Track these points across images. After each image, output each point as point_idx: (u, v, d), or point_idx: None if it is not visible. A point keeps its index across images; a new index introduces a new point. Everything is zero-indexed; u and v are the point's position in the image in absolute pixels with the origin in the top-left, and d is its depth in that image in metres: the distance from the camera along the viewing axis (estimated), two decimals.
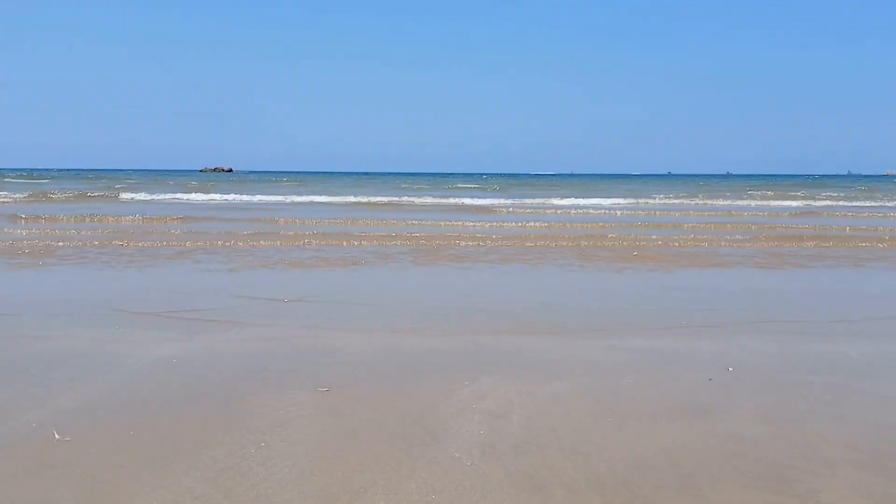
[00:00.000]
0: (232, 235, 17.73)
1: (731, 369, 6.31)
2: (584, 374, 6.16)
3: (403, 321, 8.17)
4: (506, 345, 7.15)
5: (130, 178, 71.02)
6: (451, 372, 6.16)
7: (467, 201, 36.33)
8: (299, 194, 42.54)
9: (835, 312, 9.05)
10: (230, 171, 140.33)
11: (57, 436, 4.60)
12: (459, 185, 55.68)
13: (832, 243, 17.54)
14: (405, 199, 38.88)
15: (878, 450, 4.58)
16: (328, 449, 4.49)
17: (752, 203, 37.94)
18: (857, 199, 42.16)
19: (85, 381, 5.81)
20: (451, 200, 37.33)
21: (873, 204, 38.12)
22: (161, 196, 38.33)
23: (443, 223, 22.41)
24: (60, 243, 15.60)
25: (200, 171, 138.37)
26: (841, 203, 37.92)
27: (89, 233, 18.31)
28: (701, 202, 37.85)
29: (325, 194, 41.61)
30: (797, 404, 5.46)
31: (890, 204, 38.13)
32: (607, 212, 29.85)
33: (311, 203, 35.10)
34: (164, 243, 15.88)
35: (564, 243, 16.94)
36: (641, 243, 17.05)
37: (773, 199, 40.54)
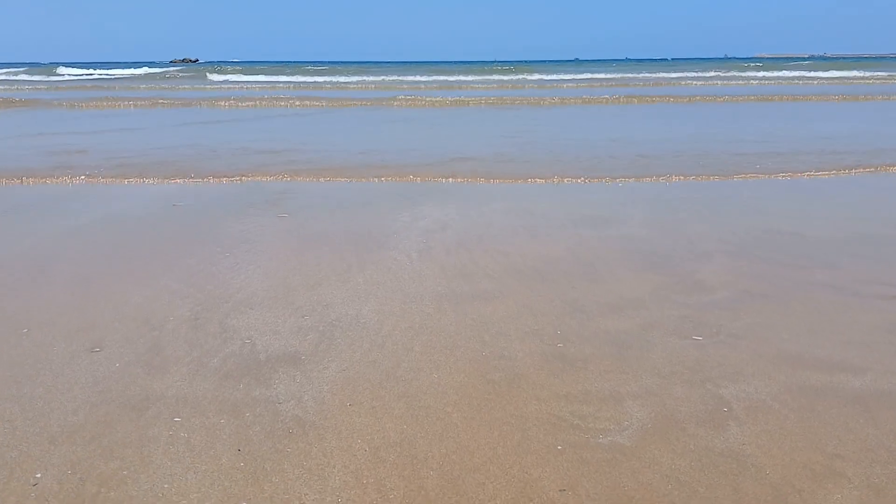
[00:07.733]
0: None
1: (619, 183, 6.34)
2: (508, 199, 6.13)
3: (352, 165, 7.95)
4: (442, 183, 7.04)
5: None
6: (394, 201, 6.04)
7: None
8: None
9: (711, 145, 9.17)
10: (196, 61, 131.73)
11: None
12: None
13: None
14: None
15: (745, 243, 4.71)
16: (288, 256, 4.39)
17: None
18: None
19: (77, 213, 5.51)
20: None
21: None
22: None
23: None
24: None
25: (170, 62, 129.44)
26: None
27: None
28: None
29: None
30: (681, 214, 5.54)
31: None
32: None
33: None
34: None
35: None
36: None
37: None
